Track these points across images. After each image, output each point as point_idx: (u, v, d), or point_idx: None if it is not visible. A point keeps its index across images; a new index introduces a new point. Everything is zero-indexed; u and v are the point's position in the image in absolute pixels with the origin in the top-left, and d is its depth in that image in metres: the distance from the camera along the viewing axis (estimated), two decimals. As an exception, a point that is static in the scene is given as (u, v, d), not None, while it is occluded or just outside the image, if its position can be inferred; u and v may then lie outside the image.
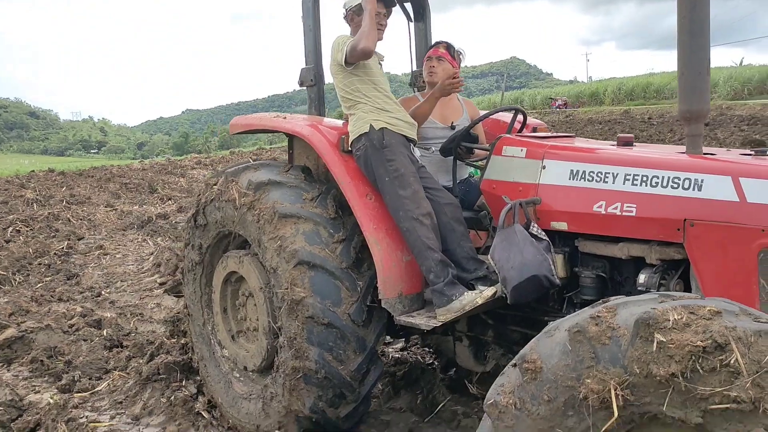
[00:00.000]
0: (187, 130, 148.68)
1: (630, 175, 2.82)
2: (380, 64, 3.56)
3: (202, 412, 4.16)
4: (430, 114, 3.70)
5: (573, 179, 3.01)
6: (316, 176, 3.74)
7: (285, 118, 3.79)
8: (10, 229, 11.13)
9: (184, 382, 4.49)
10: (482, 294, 3.08)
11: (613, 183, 2.87)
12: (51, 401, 4.47)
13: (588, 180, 2.95)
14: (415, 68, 4.52)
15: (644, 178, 2.77)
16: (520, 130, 3.75)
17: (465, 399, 4.26)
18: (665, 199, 2.70)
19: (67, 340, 5.58)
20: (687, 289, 2.72)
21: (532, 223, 3.04)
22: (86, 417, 4.26)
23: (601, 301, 2.14)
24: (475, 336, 3.70)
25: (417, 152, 3.52)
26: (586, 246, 3.05)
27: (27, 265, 8.78)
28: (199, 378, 4.47)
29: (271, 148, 43.38)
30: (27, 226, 11.46)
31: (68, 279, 8.34)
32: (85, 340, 5.62)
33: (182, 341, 4.92)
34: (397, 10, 3.93)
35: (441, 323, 3.15)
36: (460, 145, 3.63)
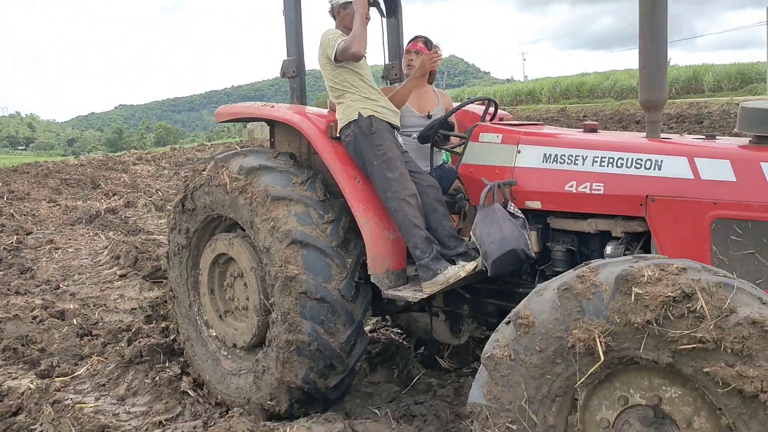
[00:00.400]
0: (121, 126, 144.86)
1: (598, 157, 3.16)
2: (364, 56, 3.81)
3: (188, 391, 4.32)
4: (409, 96, 3.96)
5: (546, 162, 3.34)
6: (301, 162, 3.96)
7: (273, 107, 3.99)
8: (-47, 225, 10.88)
9: (167, 363, 4.63)
10: (464, 267, 3.38)
11: (583, 165, 3.20)
12: (32, 386, 4.54)
13: (560, 162, 3.28)
14: (387, 61, 4.78)
15: (611, 160, 3.11)
16: (491, 119, 4.06)
17: (437, 372, 4.56)
18: (629, 178, 3.05)
19: (39, 329, 5.62)
20: (649, 258, 3.07)
21: (509, 203, 3.35)
22: (71, 399, 4.36)
23: (583, 264, 2.45)
24: (451, 310, 3.99)
25: (400, 139, 3.78)
26: (557, 222, 3.39)
27: (-23, 261, 8.66)
28: (182, 359, 4.63)
29: (211, 144, 42.94)
30: (-30, 223, 11.22)
31: (22, 273, 8.26)
32: (56, 329, 5.67)
33: (162, 325, 5.06)
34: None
35: (427, 295, 3.43)
36: (438, 133, 3.92)
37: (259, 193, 3.62)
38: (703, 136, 3.18)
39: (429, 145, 4.01)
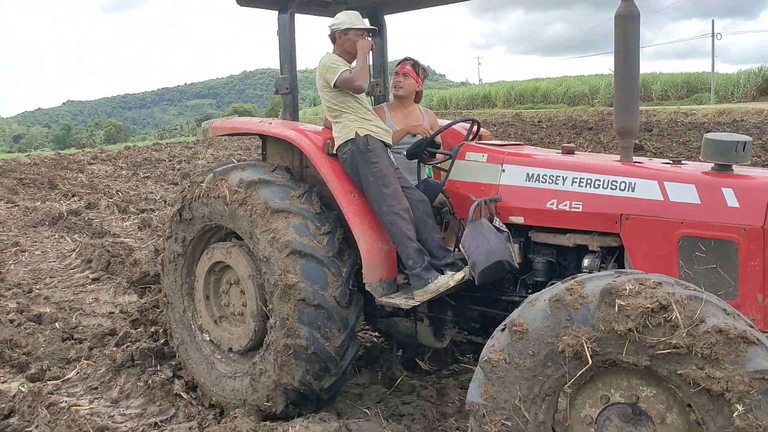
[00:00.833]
0: (69, 123, 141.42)
1: (577, 178, 3.48)
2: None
3: (181, 393, 4.50)
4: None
5: (529, 181, 3.65)
6: (294, 175, 4.19)
7: (270, 123, 4.21)
8: None
9: (158, 366, 4.79)
10: (453, 277, 3.66)
11: (563, 185, 3.52)
12: (23, 389, 4.64)
13: (542, 182, 3.59)
14: (372, 79, 5.03)
15: (588, 181, 3.44)
16: (473, 138, 4.35)
17: (419, 374, 4.84)
18: (606, 198, 3.37)
19: (22, 333, 5.70)
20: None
21: (495, 218, 3.65)
22: (66, 402, 4.49)
23: (570, 278, 2.76)
24: (435, 316, 4.26)
25: (391, 156, 4.04)
26: (538, 236, 3.70)
27: (-58, 264, 8.59)
28: (173, 362, 4.80)
29: (166, 144, 42.48)
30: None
31: (-9, 276, 8.24)
32: (39, 333, 5.75)
33: (152, 329, 5.21)
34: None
35: (419, 302, 3.70)
36: (426, 150, 4.20)
37: (259, 206, 3.83)
38: (670, 161, 3.53)
39: (416, 161, 4.28)
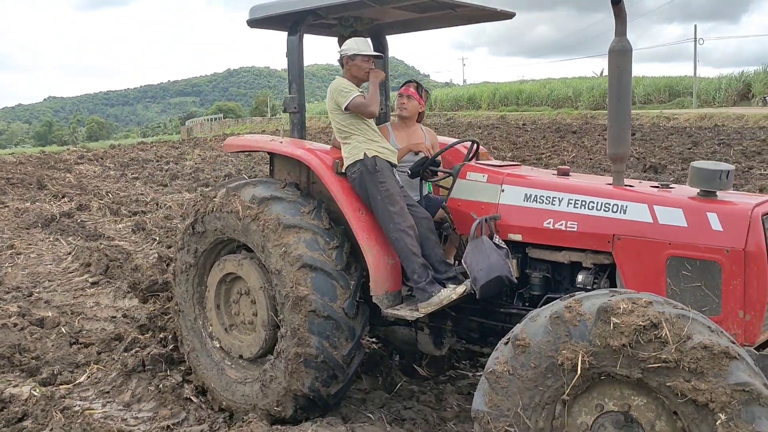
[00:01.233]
0: (51, 119, 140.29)
1: (572, 199, 3.73)
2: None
3: (191, 397, 4.70)
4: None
5: (527, 201, 3.89)
6: (302, 191, 4.41)
7: (281, 142, 4.42)
8: None
9: (168, 371, 4.99)
10: (455, 290, 3.90)
11: (559, 205, 3.77)
12: (36, 393, 4.82)
13: (539, 202, 3.84)
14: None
15: (583, 203, 3.69)
16: (473, 157, 4.59)
17: (417, 380, 5.07)
18: (599, 219, 3.62)
19: (30, 338, 5.85)
20: (613, 285, 3.66)
21: (495, 235, 3.89)
22: (79, 405, 4.67)
23: (569, 296, 3.00)
24: (435, 325, 4.49)
25: (397, 175, 4.27)
26: (535, 253, 3.94)
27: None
28: (182, 367, 5.00)
29: (152, 142, 42.43)
30: None
31: (-11, 279, 8.35)
32: (47, 338, 5.91)
33: (161, 335, 5.40)
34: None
35: (423, 314, 3.93)
36: (428, 169, 4.43)
37: (272, 221, 4.04)
38: (659, 185, 3.79)
39: (418, 178, 4.51)
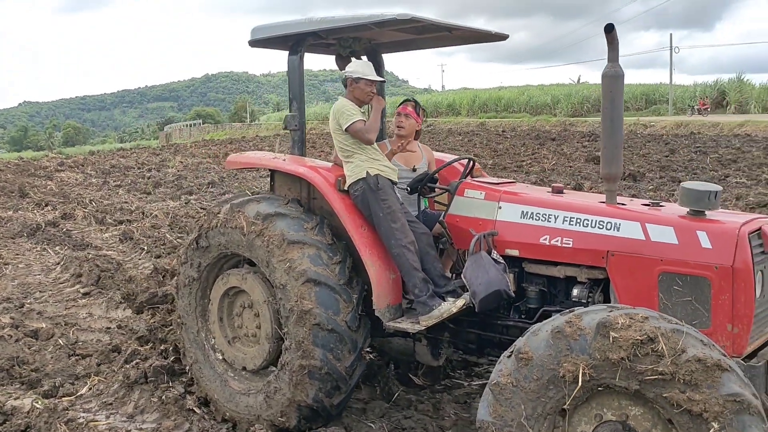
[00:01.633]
0: (26, 124, 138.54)
1: (568, 217, 3.90)
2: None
3: (194, 408, 4.79)
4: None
5: (524, 218, 4.06)
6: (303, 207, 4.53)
7: (284, 160, 4.55)
8: None
9: (170, 383, 5.07)
10: (455, 304, 4.05)
11: (555, 222, 3.93)
12: (38, 405, 4.87)
13: (536, 219, 4.01)
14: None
15: (578, 220, 3.86)
16: (469, 173, 4.74)
17: (414, 389, 5.21)
18: (594, 236, 3.80)
19: (28, 350, 5.90)
20: (607, 300, 3.83)
21: (493, 251, 4.05)
22: (83, 417, 4.74)
23: (568, 311, 3.16)
24: (433, 336, 4.63)
25: (398, 192, 4.42)
26: (531, 268, 4.11)
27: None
28: (184, 379, 5.09)
29: (131, 149, 42.23)
30: None
31: (-22, 290, 8.34)
32: (45, 350, 5.96)
33: (161, 347, 5.48)
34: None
35: (424, 327, 4.08)
36: (426, 185, 4.59)
37: (276, 237, 4.16)
38: (649, 203, 3.97)
39: (416, 195, 4.66)
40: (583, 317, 3.04)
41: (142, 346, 5.73)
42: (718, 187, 3.57)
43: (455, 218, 4.36)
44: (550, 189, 4.35)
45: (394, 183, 4.37)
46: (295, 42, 4.66)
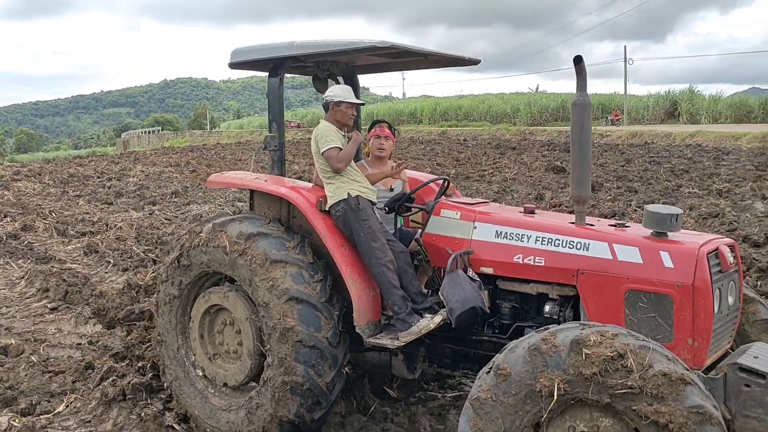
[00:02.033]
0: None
1: (540, 237, 4.11)
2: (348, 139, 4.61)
3: (174, 425, 4.85)
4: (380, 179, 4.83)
5: (498, 237, 4.25)
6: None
7: (266, 180, 4.66)
8: None
9: (149, 400, 5.12)
10: (433, 320, 4.22)
11: (528, 242, 4.14)
12: (17, 424, 4.87)
13: (509, 239, 4.21)
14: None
15: (550, 240, 4.07)
16: (443, 192, 4.92)
17: (388, 401, 5.34)
18: (565, 255, 4.01)
19: (2, 368, 5.87)
20: (577, 316, 4.04)
21: (468, 269, 4.23)
22: (63, 435, 4.77)
23: (543, 328, 3.35)
24: (409, 351, 4.79)
25: (377, 213, 4.57)
26: (505, 285, 4.31)
27: None
28: (162, 395, 5.14)
29: (88, 157, 41.56)
30: None
31: (-57, 305, 8.22)
32: (20, 367, 5.94)
33: (139, 364, 5.52)
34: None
35: (404, 343, 4.23)
36: (403, 204, 4.76)
37: (259, 256, 4.28)
38: (615, 224, 4.20)
39: (393, 214, 4.83)
40: (557, 335, 3.23)
41: (117, 363, 5.75)
42: (679, 210, 3.82)
43: (432, 237, 4.54)
44: (522, 209, 4.55)
45: (373, 203, 4.52)
46: (275, 65, 4.79)
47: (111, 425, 4.93)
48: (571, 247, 4.01)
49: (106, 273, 9.97)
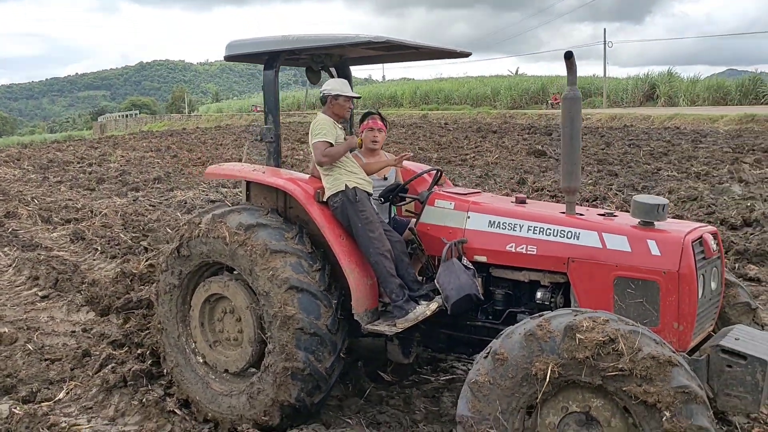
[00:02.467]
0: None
1: (532, 226, 4.27)
2: (345, 138, 4.71)
3: (175, 410, 4.97)
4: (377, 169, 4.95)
5: (491, 227, 4.41)
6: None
7: (264, 172, 4.77)
8: None
9: (150, 386, 5.24)
10: (429, 307, 4.38)
11: (520, 231, 4.30)
12: (18, 411, 4.96)
13: (502, 228, 4.36)
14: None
15: (542, 229, 4.23)
16: (436, 182, 5.05)
17: (383, 385, 5.51)
18: (556, 244, 4.17)
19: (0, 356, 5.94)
20: (567, 302, 4.22)
21: (463, 257, 4.38)
22: (65, 422, 4.86)
23: (538, 315, 3.52)
24: (404, 336, 4.94)
25: (373, 203, 4.70)
26: (498, 273, 4.47)
27: None
28: (163, 381, 5.26)
29: (66, 142, 41.10)
30: None
31: (-71, 294, 8.23)
32: (17, 355, 6.01)
33: (138, 351, 5.62)
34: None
35: (401, 329, 4.38)
36: (397, 194, 4.89)
37: (259, 247, 4.39)
38: (604, 213, 4.37)
39: (388, 203, 4.96)
40: (551, 321, 3.40)
41: (115, 350, 5.84)
42: (665, 201, 4.00)
43: (426, 226, 4.68)
44: (513, 199, 4.71)
45: (369, 194, 4.65)
46: (271, 58, 4.88)
47: (113, 411, 5.04)
48: (562, 236, 4.17)
49: (94, 260, 10.00)
